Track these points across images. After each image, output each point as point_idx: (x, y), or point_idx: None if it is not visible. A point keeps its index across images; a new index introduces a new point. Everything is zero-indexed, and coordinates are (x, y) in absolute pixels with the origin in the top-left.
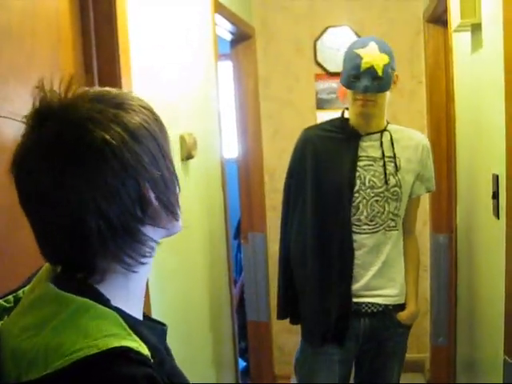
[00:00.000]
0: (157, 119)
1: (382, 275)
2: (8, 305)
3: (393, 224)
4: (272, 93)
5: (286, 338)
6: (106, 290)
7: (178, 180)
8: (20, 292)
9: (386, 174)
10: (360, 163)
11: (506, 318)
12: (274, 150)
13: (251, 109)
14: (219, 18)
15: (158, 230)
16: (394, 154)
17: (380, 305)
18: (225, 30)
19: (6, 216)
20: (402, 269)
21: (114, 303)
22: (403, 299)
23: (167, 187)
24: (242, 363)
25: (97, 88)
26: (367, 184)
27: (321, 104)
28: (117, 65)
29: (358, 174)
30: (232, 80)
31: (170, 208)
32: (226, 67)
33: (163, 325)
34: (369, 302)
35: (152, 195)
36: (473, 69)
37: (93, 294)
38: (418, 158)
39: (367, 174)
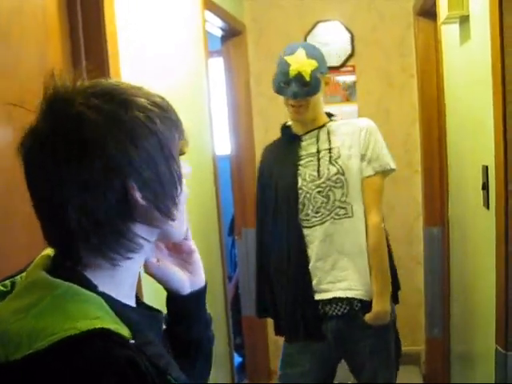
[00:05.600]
0: (166, 116)
1: (340, 266)
2: (5, 289)
3: (342, 212)
4: (264, 89)
5: None
6: (92, 277)
7: (180, 179)
8: (18, 277)
9: (319, 165)
10: (301, 162)
11: (498, 309)
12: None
13: (243, 105)
14: (209, 15)
15: (152, 229)
16: (330, 143)
17: (345, 302)
18: (215, 26)
19: None
20: (364, 260)
21: (101, 289)
22: (368, 296)
23: (162, 187)
24: (237, 359)
25: (109, 81)
26: (308, 179)
27: None
28: (105, 61)
29: (299, 172)
30: (223, 76)
31: (162, 208)
32: (218, 64)
33: (159, 312)
34: (333, 298)
35: (138, 195)
36: (462, 61)
37: (80, 279)
38: (360, 142)
39: (307, 169)
